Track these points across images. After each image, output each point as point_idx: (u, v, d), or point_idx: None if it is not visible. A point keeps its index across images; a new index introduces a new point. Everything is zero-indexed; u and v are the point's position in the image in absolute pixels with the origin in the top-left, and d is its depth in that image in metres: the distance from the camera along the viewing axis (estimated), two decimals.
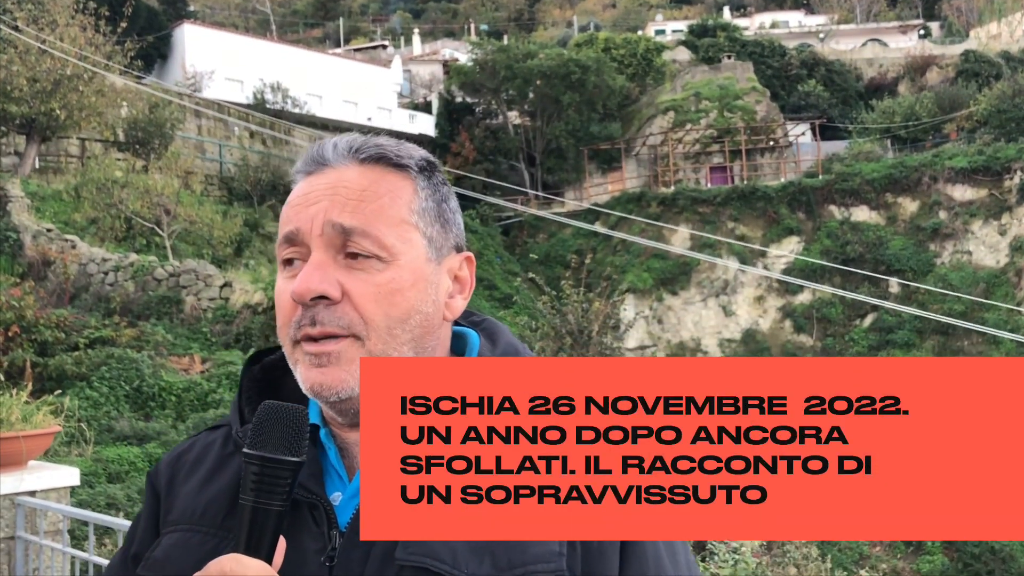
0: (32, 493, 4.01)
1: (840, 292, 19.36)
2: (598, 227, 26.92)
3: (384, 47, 55.43)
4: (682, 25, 55.15)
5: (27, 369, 10.87)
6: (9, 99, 18.84)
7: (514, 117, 37.97)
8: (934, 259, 28.35)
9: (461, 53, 47.87)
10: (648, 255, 28.55)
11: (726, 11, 62.77)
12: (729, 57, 39.57)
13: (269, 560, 0.85)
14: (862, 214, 29.68)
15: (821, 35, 52.77)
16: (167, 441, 10.73)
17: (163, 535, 1.02)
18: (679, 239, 29.03)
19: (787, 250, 29.00)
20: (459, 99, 39.12)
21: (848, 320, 27.56)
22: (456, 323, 1.08)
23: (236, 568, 0.81)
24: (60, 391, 10.97)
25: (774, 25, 56.83)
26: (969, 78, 38.67)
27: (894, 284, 26.99)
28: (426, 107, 40.95)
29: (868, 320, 27.29)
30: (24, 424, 3.87)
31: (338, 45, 57.53)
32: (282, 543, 0.86)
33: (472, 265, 1.06)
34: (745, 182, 32.08)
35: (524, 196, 32.14)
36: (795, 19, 61.16)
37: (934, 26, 58.82)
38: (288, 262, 0.98)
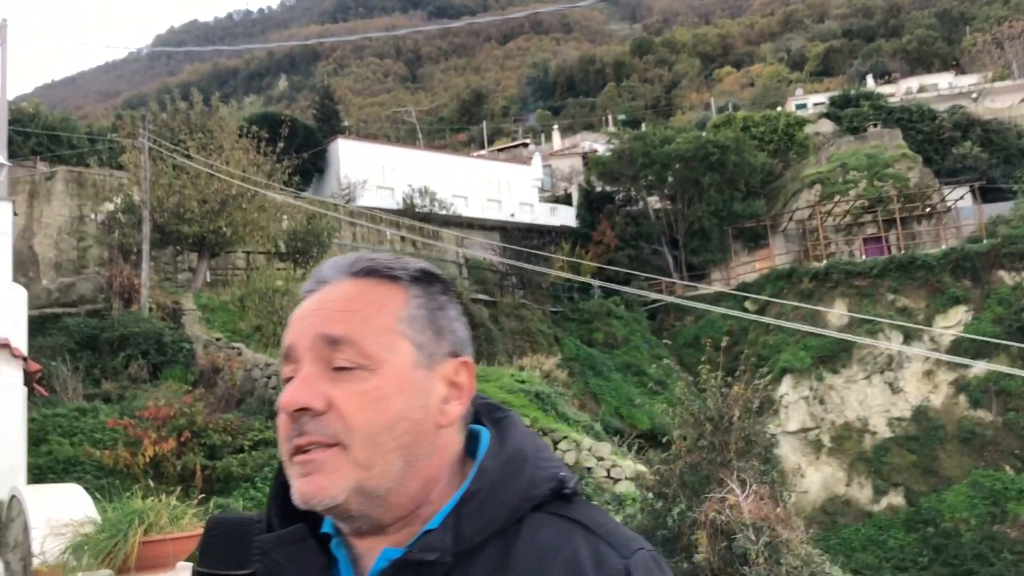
0: None
1: (1015, 372, 17.85)
2: (746, 312, 26.21)
3: (525, 145, 57.04)
4: (823, 97, 54.11)
5: (197, 472, 11.54)
6: (183, 220, 20.56)
7: (654, 202, 38.00)
8: None
9: (600, 144, 48.70)
10: (803, 333, 27.51)
11: (869, 79, 61.23)
12: (875, 125, 38.41)
13: None
14: None
15: (974, 95, 50.46)
16: None
17: None
18: (835, 316, 27.87)
19: (954, 320, 27.25)
20: (599, 189, 39.60)
21: None
22: (479, 420, 1.06)
23: None
24: (227, 493, 11.59)
25: (922, 89, 54.84)
26: None
27: None
28: (567, 199, 41.65)
29: None
30: (171, 527, 4.11)
31: (482, 147, 59.76)
32: None
33: (470, 370, 1.04)
34: (903, 251, 30.64)
35: (668, 281, 31.87)
36: (944, 81, 58.81)
37: None
38: (288, 381, 1.00)
